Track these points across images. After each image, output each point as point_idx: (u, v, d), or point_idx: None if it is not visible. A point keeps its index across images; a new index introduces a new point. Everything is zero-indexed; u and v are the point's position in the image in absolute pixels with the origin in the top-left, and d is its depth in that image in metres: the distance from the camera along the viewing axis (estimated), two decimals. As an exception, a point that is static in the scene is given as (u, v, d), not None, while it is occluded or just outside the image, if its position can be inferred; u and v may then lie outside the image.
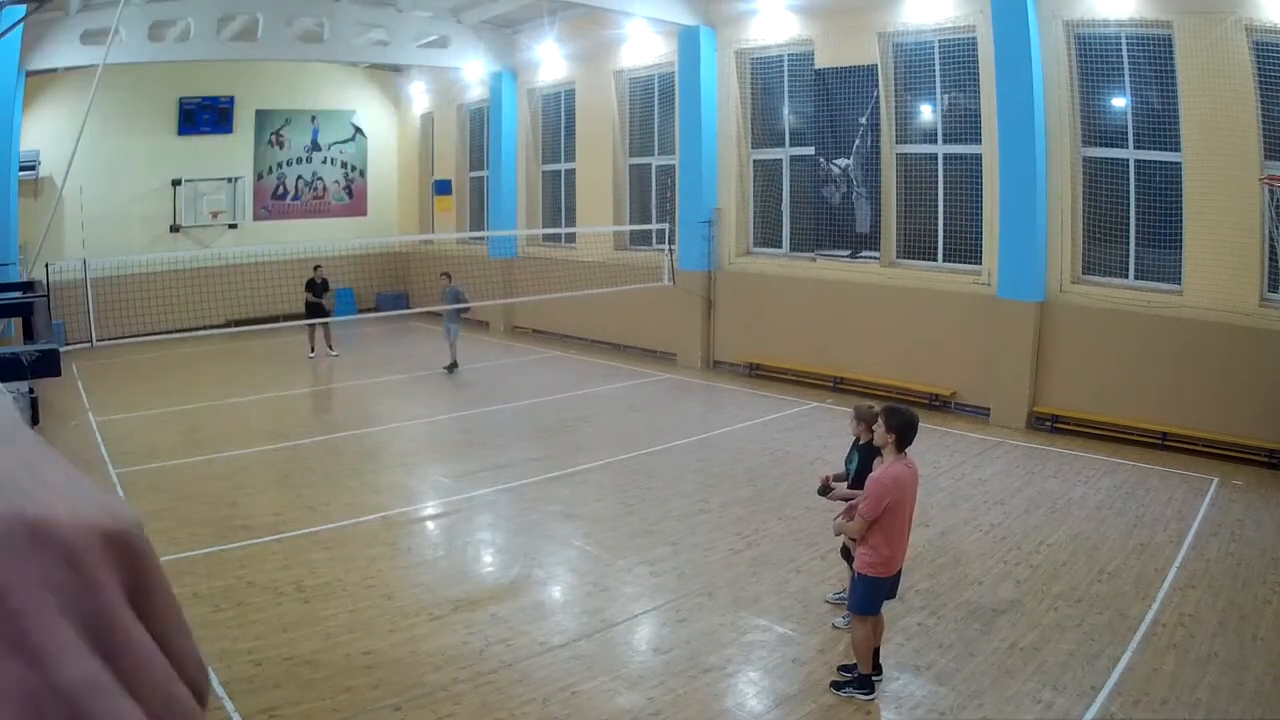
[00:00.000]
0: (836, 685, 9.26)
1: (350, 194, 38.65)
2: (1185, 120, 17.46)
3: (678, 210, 26.87)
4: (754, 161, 26.09)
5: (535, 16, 29.79)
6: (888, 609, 9.63)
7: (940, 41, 21.22)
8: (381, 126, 39.55)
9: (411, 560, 13.17)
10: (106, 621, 0.73)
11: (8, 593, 0.67)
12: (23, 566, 0.69)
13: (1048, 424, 19.49)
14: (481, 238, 33.83)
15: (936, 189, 21.85)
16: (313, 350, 28.46)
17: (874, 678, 9.21)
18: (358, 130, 38.63)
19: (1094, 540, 13.38)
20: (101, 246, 27.21)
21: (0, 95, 23.74)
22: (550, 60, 31.07)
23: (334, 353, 28.60)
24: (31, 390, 14.99)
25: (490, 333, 33.14)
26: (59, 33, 25.09)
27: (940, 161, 21.76)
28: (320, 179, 37.75)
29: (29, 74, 25.98)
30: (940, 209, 21.81)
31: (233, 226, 34.99)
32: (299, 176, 37.13)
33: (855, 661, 9.25)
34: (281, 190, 36.71)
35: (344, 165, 38.42)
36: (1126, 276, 19.03)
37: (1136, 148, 18.59)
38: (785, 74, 24.90)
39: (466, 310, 27.16)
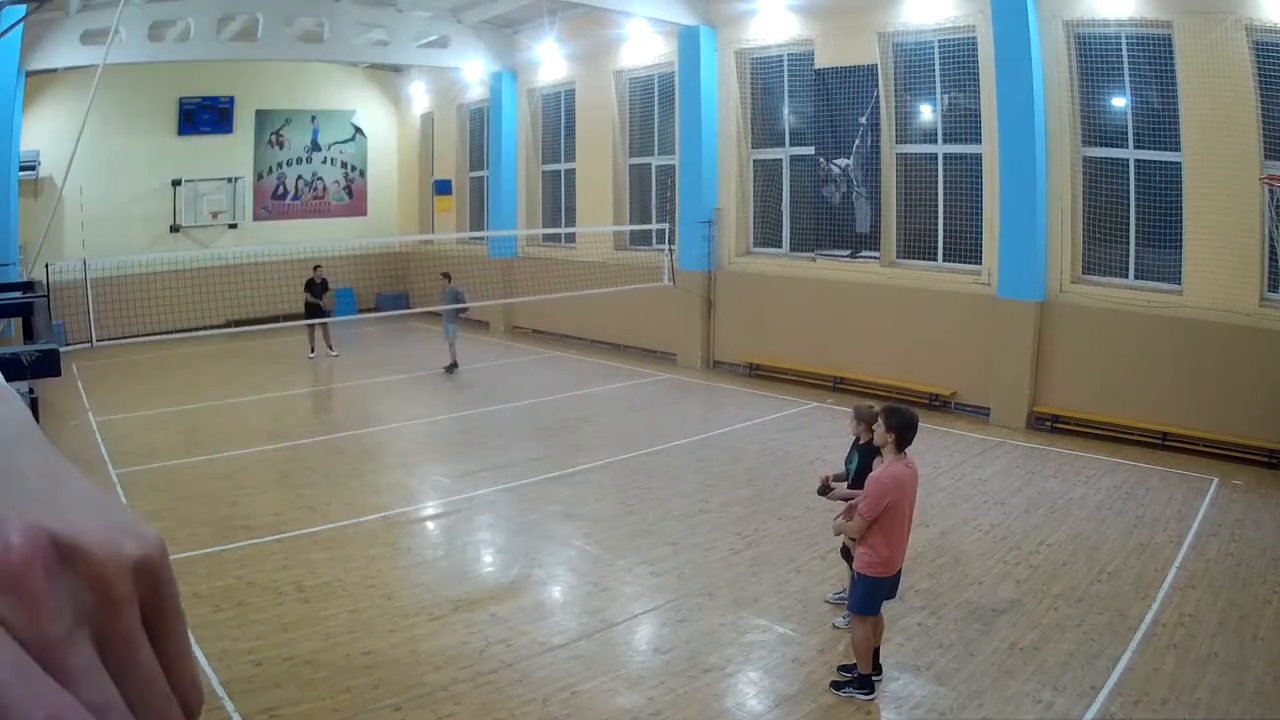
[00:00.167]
0: (836, 685, 9.26)
1: (350, 194, 38.65)
2: (1185, 120, 17.46)
3: (678, 210, 26.87)
4: (754, 161, 26.09)
5: (535, 16, 29.78)
6: (888, 609, 9.63)
7: (940, 41, 21.22)
8: (381, 126, 39.55)
9: (411, 560, 13.17)
10: (126, 645, 0.73)
11: (39, 612, 0.68)
12: (55, 588, 0.69)
13: (1048, 424, 19.49)
14: (481, 238, 33.83)
15: (936, 189, 21.85)
16: (313, 350, 28.46)
17: (874, 678, 9.21)
18: (358, 130, 38.64)
19: (1094, 540, 13.38)
20: (101, 247, 27.19)
21: (0, 95, 23.74)
22: (550, 60, 31.07)
23: (334, 353, 28.59)
24: (31, 390, 14.96)
25: (490, 333, 33.14)
26: (59, 33, 25.08)
27: (940, 161, 21.76)
28: (320, 179, 37.75)
29: (29, 74, 25.97)
30: (940, 209, 21.81)
31: (233, 226, 35.00)
32: (299, 176, 37.13)
33: (855, 661, 9.25)
34: (281, 190, 36.71)
35: (344, 165, 38.42)
36: (1126, 276, 19.03)
37: (1136, 147, 18.59)
38: (785, 74, 24.90)
39: (465, 310, 27.13)
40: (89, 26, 25.14)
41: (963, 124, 21.26)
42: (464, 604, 11.53)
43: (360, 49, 30.87)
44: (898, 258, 22.64)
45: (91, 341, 17.65)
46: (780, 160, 25.42)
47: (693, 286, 26.29)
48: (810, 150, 24.04)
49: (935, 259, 22.02)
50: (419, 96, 38.67)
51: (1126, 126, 18.75)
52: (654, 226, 27.72)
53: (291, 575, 12.21)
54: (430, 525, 14.89)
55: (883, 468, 9.05)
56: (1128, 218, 18.91)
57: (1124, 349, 18.52)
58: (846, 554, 10.31)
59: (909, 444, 8.95)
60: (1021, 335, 19.66)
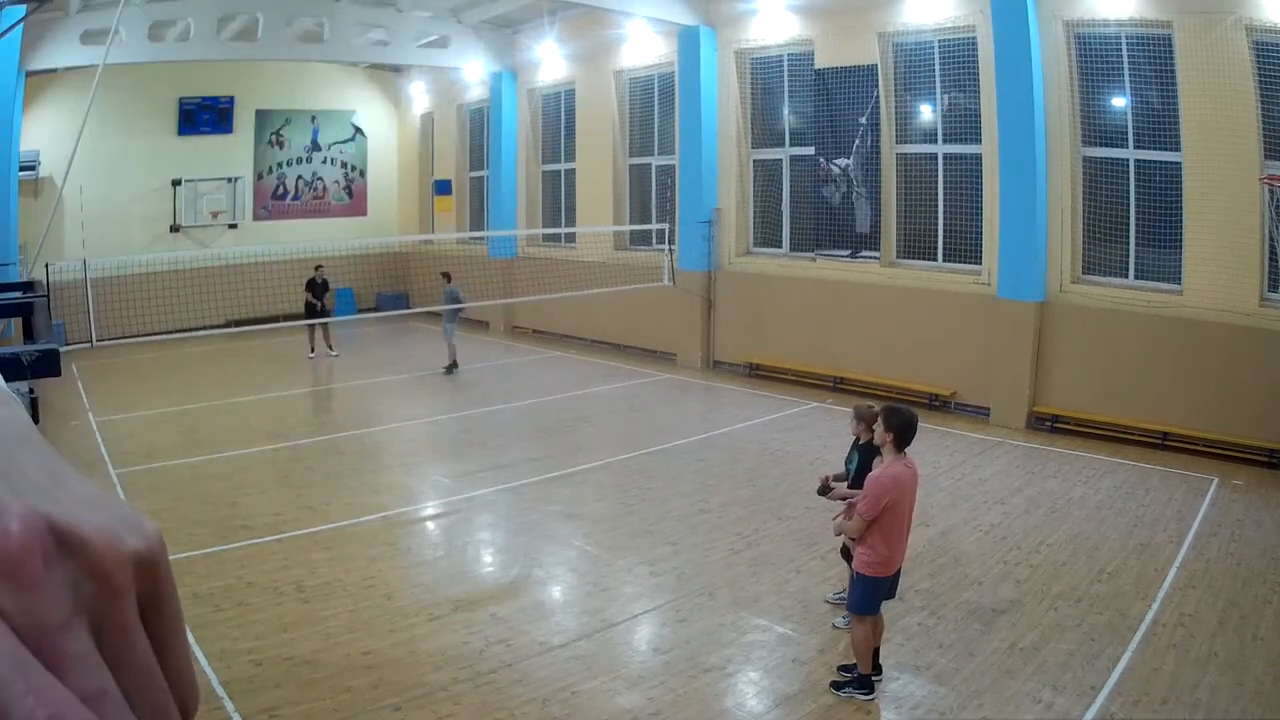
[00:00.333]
0: (836, 685, 9.26)
1: (350, 194, 38.65)
2: (1185, 120, 17.46)
3: (678, 210, 26.87)
4: (754, 161, 26.10)
5: (535, 16, 29.79)
6: (887, 609, 9.63)
7: (940, 41, 21.22)
8: (381, 126, 39.55)
9: (411, 560, 13.17)
10: (123, 635, 0.73)
11: (37, 598, 0.68)
12: (53, 575, 0.69)
13: (1048, 424, 19.49)
14: (481, 238, 33.83)
15: (936, 189, 21.86)
16: (313, 350, 28.46)
17: (874, 678, 9.21)
18: (358, 130, 38.64)
19: (1094, 540, 13.38)
20: (101, 246, 27.20)
21: (0, 95, 23.74)
22: (550, 60, 31.07)
23: (334, 353, 28.59)
24: (31, 390, 14.99)
25: (490, 333, 33.14)
26: (59, 33, 25.08)
27: (940, 161, 21.76)
28: (320, 179, 37.76)
29: (29, 74, 25.98)
30: (940, 209, 21.81)
31: (233, 226, 35.00)
32: (299, 176, 37.14)
33: (855, 661, 9.25)
34: (281, 190, 36.71)
35: (344, 165, 38.43)
36: (1126, 276, 19.03)
37: (1136, 147, 18.59)
38: (785, 74, 24.90)
39: (462, 310, 27.11)
40: (89, 26, 25.14)
41: (963, 124, 21.26)
42: (464, 604, 11.53)
43: (360, 49, 30.88)
44: (898, 258, 22.64)
45: (91, 341, 17.65)
46: (780, 160, 25.42)
47: (693, 286, 26.29)
48: (810, 150, 24.04)
49: (935, 259, 22.02)
50: (419, 96, 38.67)
51: (1126, 126, 18.75)
52: (654, 226, 27.73)
53: (291, 575, 12.22)
54: (430, 525, 14.89)
55: (882, 468, 9.05)
56: (1128, 218, 18.91)
57: (1124, 349, 18.52)
58: (846, 554, 10.30)
59: (908, 444, 8.94)
60: (1021, 335, 19.66)
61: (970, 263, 21.19)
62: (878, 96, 22.13)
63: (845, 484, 10.40)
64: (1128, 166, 18.77)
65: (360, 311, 33.89)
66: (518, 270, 32.09)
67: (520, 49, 31.96)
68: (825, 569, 12.16)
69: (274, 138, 36.20)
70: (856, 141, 22.66)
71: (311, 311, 27.57)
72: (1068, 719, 8.73)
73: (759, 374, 25.10)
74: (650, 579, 12.31)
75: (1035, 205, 19.26)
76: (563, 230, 31.87)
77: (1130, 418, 18.37)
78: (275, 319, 27.84)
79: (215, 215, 34.56)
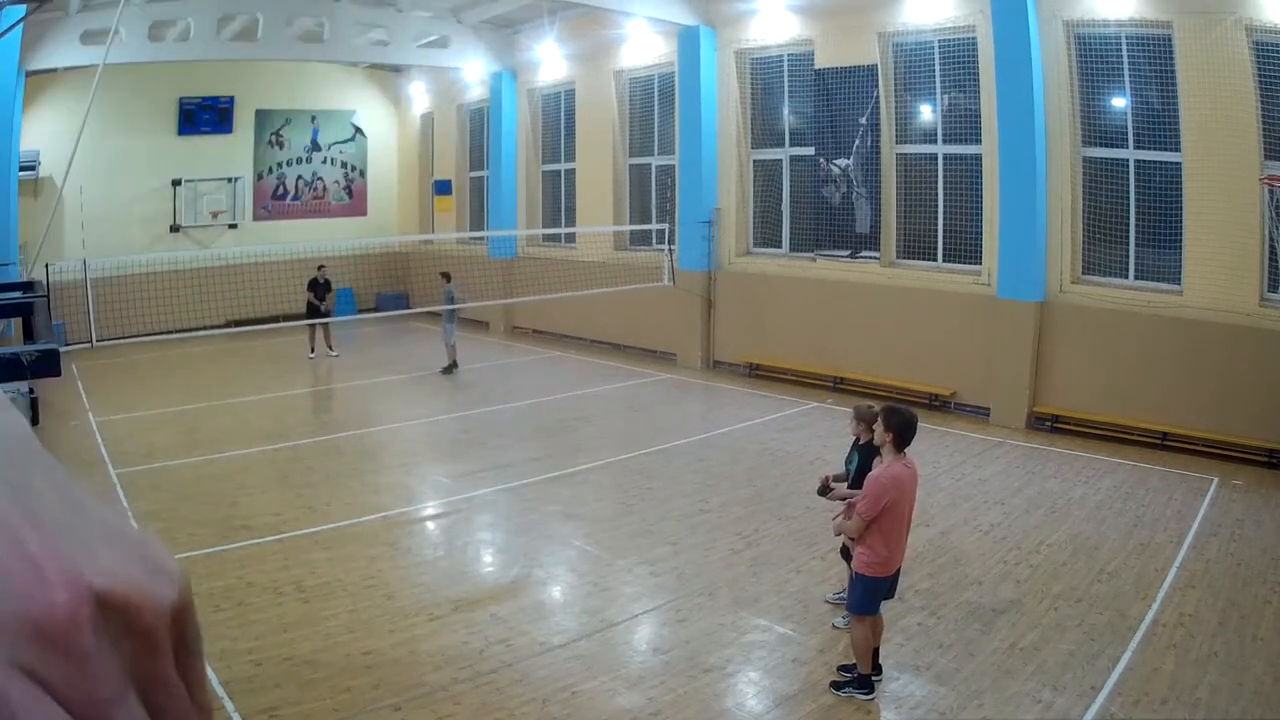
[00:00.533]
0: (836, 685, 9.27)
1: (350, 194, 38.65)
2: (1185, 120, 17.47)
3: (678, 210, 26.87)
4: (754, 161, 26.11)
5: (535, 16, 29.80)
6: (887, 609, 9.64)
7: (940, 41, 21.23)
8: (381, 126, 39.55)
9: (411, 560, 13.18)
10: (164, 690, 0.74)
11: (85, 671, 0.68)
12: (101, 645, 0.69)
13: (1048, 424, 19.50)
14: (481, 238, 33.83)
15: (936, 189, 21.87)
16: (313, 351, 28.46)
17: (874, 678, 9.21)
18: (358, 130, 38.64)
19: (1094, 540, 13.39)
20: (101, 246, 27.19)
21: (0, 95, 23.75)
22: (550, 60, 31.09)
23: (334, 353, 28.60)
24: (31, 390, 15.03)
25: (490, 333, 33.14)
26: (59, 33, 25.10)
27: (940, 161, 21.77)
28: (320, 179, 37.76)
29: (29, 74, 25.99)
30: (940, 209, 21.82)
31: (233, 226, 34.99)
32: (299, 176, 37.14)
33: (855, 661, 9.25)
34: (281, 190, 36.71)
35: (344, 165, 38.43)
36: (1126, 277, 19.04)
37: (1136, 148, 18.60)
38: (785, 74, 24.91)
39: (458, 311, 27.10)
40: (89, 26, 25.16)
41: (963, 124, 21.27)
42: (464, 604, 11.54)
43: (360, 49, 30.88)
44: (898, 258, 22.65)
45: (91, 341, 17.66)
46: (780, 160, 25.43)
47: (693, 286, 26.30)
48: (810, 150, 24.05)
49: (935, 259, 22.02)
50: (419, 96, 38.67)
51: (1126, 127, 18.76)
52: (654, 226, 27.74)
53: (291, 575, 12.22)
54: (430, 525, 14.90)
55: (882, 468, 9.05)
56: (1128, 218, 18.91)
57: (1124, 349, 18.53)
58: (846, 554, 10.28)
59: (908, 444, 8.94)
60: (1021, 335, 19.67)
61: (970, 263, 21.19)
62: (878, 96, 22.14)
63: (845, 484, 10.39)
64: (1128, 167, 18.78)
65: (360, 312, 33.88)
66: (518, 270, 32.09)
67: (520, 49, 31.97)
68: (825, 569, 12.16)
69: (274, 138, 36.21)
70: (856, 142, 22.67)
71: (313, 311, 27.57)
72: (1068, 719, 8.73)
73: (759, 374, 25.11)
74: (650, 579, 12.32)
75: (1035, 205, 19.27)
76: (563, 230, 31.88)
77: (1130, 418, 18.37)
78: (275, 319, 27.82)
79: (215, 215, 34.58)
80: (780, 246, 25.63)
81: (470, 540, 14.20)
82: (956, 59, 20.99)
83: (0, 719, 0.64)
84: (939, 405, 21.05)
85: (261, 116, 35.70)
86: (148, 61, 27.37)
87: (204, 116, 33.93)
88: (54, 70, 27.21)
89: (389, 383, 25.40)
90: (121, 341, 21.35)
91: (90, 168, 28.78)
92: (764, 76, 25.72)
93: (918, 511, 9.56)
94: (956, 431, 19.46)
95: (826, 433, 18.71)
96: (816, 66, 23.40)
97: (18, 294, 9.02)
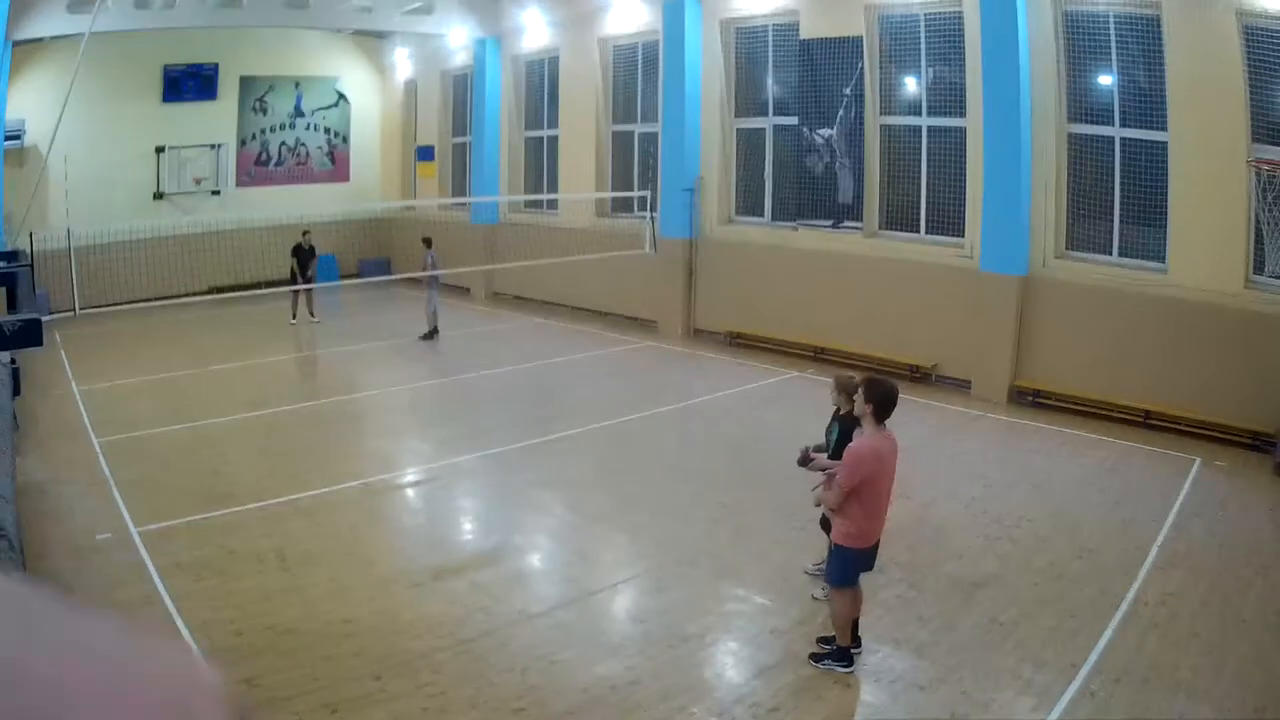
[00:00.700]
0: (815, 657, 9.29)
1: (333, 160, 38.51)
2: (1172, 100, 17.46)
3: (660, 178, 26.84)
4: (737, 130, 26.07)
5: (520, -17, 29.70)
6: (867, 581, 9.64)
7: (926, 15, 21.18)
8: (365, 93, 39.38)
9: (392, 528, 13.24)
10: None
11: None
12: None
13: (1029, 398, 19.51)
14: (464, 204, 33.74)
15: (920, 161, 21.84)
16: (294, 317, 28.41)
17: (853, 650, 9.23)
18: (341, 96, 38.49)
19: (1076, 516, 13.43)
20: (86, 215, 27.00)
21: (-13, 66, 23.72)
22: (534, 27, 31.01)
23: (315, 319, 28.55)
24: (13, 360, 14.99)
25: (471, 299, 33.05)
26: (46, 1, 24.96)
27: (924, 134, 21.75)
28: (303, 145, 37.62)
29: (15, 43, 25.88)
30: (924, 181, 21.80)
31: (215, 193, 34.82)
32: (282, 143, 36.99)
33: (834, 633, 9.27)
34: (264, 157, 36.57)
35: (327, 131, 38.28)
36: (1110, 254, 19.04)
37: (1122, 125, 18.59)
38: (770, 44, 24.86)
39: (439, 277, 27.06)
40: (76, -5, 25.05)
41: (948, 97, 21.24)
42: (444, 572, 11.56)
43: (344, 15, 30.75)
44: (880, 229, 22.64)
45: (75, 310, 17.64)
46: (763, 129, 25.41)
47: (674, 254, 26.31)
48: (794, 120, 24.02)
49: (918, 231, 22.01)
50: (403, 63, 38.50)
51: (1113, 104, 18.74)
52: (636, 194, 27.73)
53: (273, 543, 12.22)
54: (410, 493, 14.92)
55: (862, 439, 9.04)
56: (1112, 195, 18.91)
57: (1107, 326, 18.54)
58: (826, 525, 10.28)
59: (888, 416, 8.92)
60: (1003, 309, 19.68)
61: (953, 235, 21.18)
62: (862, 68, 22.10)
63: (826, 455, 10.38)
64: (1113, 144, 18.76)
65: (342, 278, 33.80)
66: (499, 236, 32.13)
67: (504, 16, 31.82)
68: (805, 540, 12.13)
69: (258, 104, 36.06)
70: (840, 112, 22.64)
71: (296, 277, 27.53)
72: (1049, 695, 8.76)
73: (740, 343, 25.11)
74: (630, 548, 12.37)
75: (1019, 179, 19.26)
76: (545, 197, 31.84)
77: (1113, 395, 18.38)
78: (258, 285, 27.73)
79: (198, 182, 34.41)
80: (762, 215, 25.62)
81: (450, 508, 14.26)
82: (943, 32, 20.95)
83: None
84: (920, 377, 21.04)
85: (246, 83, 35.52)
86: (134, 30, 27.23)
87: (188, 84, 33.74)
88: (40, 40, 27.08)
89: (370, 349, 25.38)
90: (104, 310, 21.28)
91: (75, 136, 28.58)
92: (748, 46, 25.65)
93: (898, 483, 9.54)
94: (937, 404, 19.48)
95: (807, 403, 18.65)
96: (802, 37, 23.33)
97: (2, 263, 9.04)
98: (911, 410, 17.18)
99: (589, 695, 8.83)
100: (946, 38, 20.87)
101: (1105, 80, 18.90)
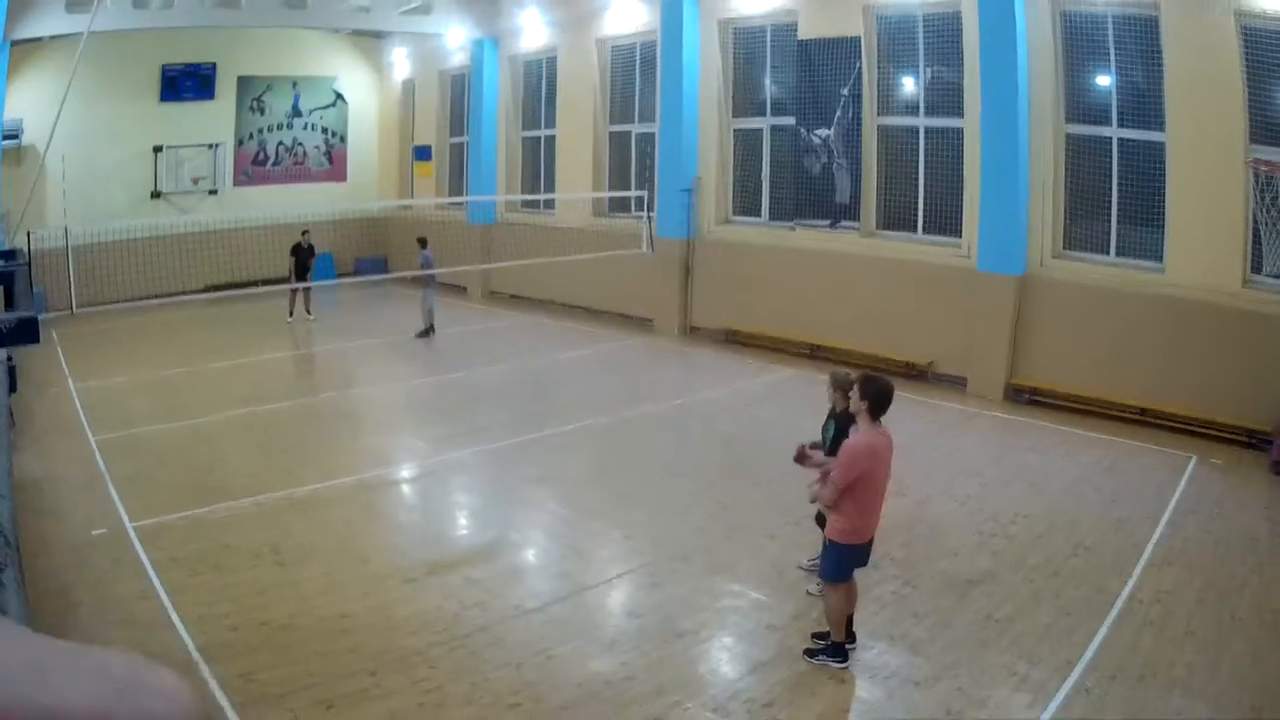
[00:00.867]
0: (810, 653, 9.30)
1: (330, 160, 38.50)
2: (1170, 101, 17.47)
3: (657, 178, 26.84)
4: (734, 130, 26.08)
5: (518, -17, 29.71)
6: (862, 577, 9.63)
7: (925, 15, 21.20)
8: (362, 92, 39.36)
9: (387, 524, 13.24)
10: None
11: None
12: None
13: (1026, 396, 19.52)
14: (461, 203, 33.76)
15: (918, 161, 21.85)
16: (291, 315, 28.44)
17: (848, 645, 9.23)
18: (339, 96, 38.47)
19: (1071, 514, 13.43)
20: (83, 214, 26.98)
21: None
22: (532, 27, 31.03)
23: (312, 317, 28.55)
24: (10, 358, 15.01)
25: (468, 297, 33.05)
26: (44, 1, 24.96)
27: (922, 134, 21.77)
28: (301, 145, 37.61)
29: (13, 43, 25.88)
30: (921, 181, 21.81)
31: (213, 192, 34.80)
32: (280, 142, 36.99)
33: (829, 629, 9.27)
34: (262, 156, 36.55)
35: (324, 131, 38.27)
36: (1108, 253, 19.06)
37: (1120, 126, 18.61)
38: (768, 44, 24.89)
39: (435, 276, 27.07)
40: (74, -5, 25.04)
41: (945, 97, 21.25)
42: (439, 567, 11.58)
43: (343, 15, 30.74)
44: (878, 228, 22.65)
45: (72, 308, 17.64)
46: (761, 129, 25.42)
47: (671, 254, 26.31)
48: (791, 120, 24.02)
49: (915, 230, 22.02)
50: (400, 62, 38.49)
51: (1110, 105, 18.76)
52: (633, 194, 27.73)
53: (268, 539, 12.23)
54: (406, 488, 14.97)
55: (857, 436, 9.04)
56: (1110, 195, 18.93)
57: (1104, 325, 18.55)
58: (821, 521, 10.28)
59: (883, 413, 8.91)
60: (1000, 308, 19.68)
61: (950, 235, 21.19)
62: (860, 68, 22.11)
63: (822, 452, 10.38)
64: (1111, 144, 18.78)
65: (339, 276, 33.80)
66: (496, 235, 32.13)
67: (502, 16, 31.80)
68: (800, 535, 12.14)
69: (255, 104, 36.05)
70: (838, 112, 22.65)
71: (297, 275, 27.58)
72: (1044, 692, 8.76)
73: (736, 341, 25.11)
74: (625, 544, 12.38)
75: (1017, 179, 19.27)
76: (542, 196, 31.83)
77: (1109, 393, 18.37)
78: (254, 284, 27.70)
79: (196, 181, 34.41)
80: (760, 215, 25.63)
81: (445, 503, 14.29)
82: (941, 32, 20.97)
83: None
84: (916, 375, 21.04)
85: (243, 83, 35.50)
86: (132, 29, 27.22)
87: (186, 83, 33.74)
88: (38, 39, 27.08)
89: (366, 347, 25.41)
90: (101, 308, 21.25)
91: (73, 135, 28.52)
92: (746, 46, 25.67)
93: (893, 480, 9.54)
94: (933, 401, 19.49)
95: (803, 400, 18.61)
96: (800, 37, 23.33)
97: (0, 262, 9.05)
98: (907, 408, 17.15)
99: (584, 690, 8.84)
100: (944, 38, 20.88)
101: (1103, 80, 18.92)
